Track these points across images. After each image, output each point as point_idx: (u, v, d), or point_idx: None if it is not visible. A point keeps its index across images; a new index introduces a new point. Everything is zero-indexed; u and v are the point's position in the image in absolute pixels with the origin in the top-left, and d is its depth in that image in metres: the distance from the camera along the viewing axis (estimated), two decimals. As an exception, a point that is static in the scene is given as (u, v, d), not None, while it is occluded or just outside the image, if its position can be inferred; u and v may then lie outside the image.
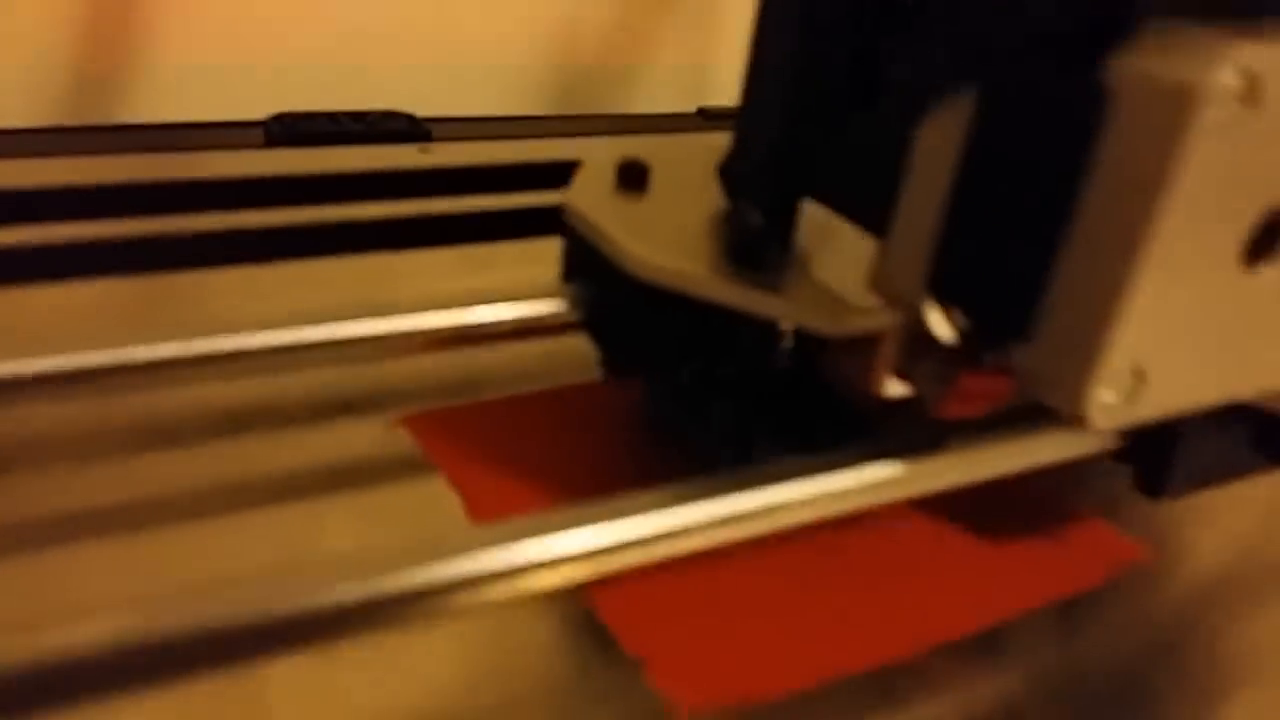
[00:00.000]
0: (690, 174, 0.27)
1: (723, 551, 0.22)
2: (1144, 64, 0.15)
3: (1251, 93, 0.15)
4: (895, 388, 0.23)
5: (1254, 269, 0.18)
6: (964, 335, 0.19)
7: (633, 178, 0.26)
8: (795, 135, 0.23)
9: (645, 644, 0.21)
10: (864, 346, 0.23)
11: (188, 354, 0.23)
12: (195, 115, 0.43)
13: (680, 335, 0.24)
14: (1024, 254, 0.18)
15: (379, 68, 0.47)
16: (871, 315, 0.22)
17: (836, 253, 0.24)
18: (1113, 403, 0.17)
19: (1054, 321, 0.17)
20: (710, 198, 0.26)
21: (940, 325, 0.21)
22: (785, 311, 0.22)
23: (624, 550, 0.20)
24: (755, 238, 0.24)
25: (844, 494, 0.22)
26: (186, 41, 0.44)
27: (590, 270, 0.25)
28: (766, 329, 0.24)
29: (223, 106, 0.44)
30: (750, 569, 0.23)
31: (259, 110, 0.43)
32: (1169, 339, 0.17)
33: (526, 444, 0.26)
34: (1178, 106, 0.15)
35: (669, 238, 0.24)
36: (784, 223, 0.24)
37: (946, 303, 0.20)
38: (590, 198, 0.25)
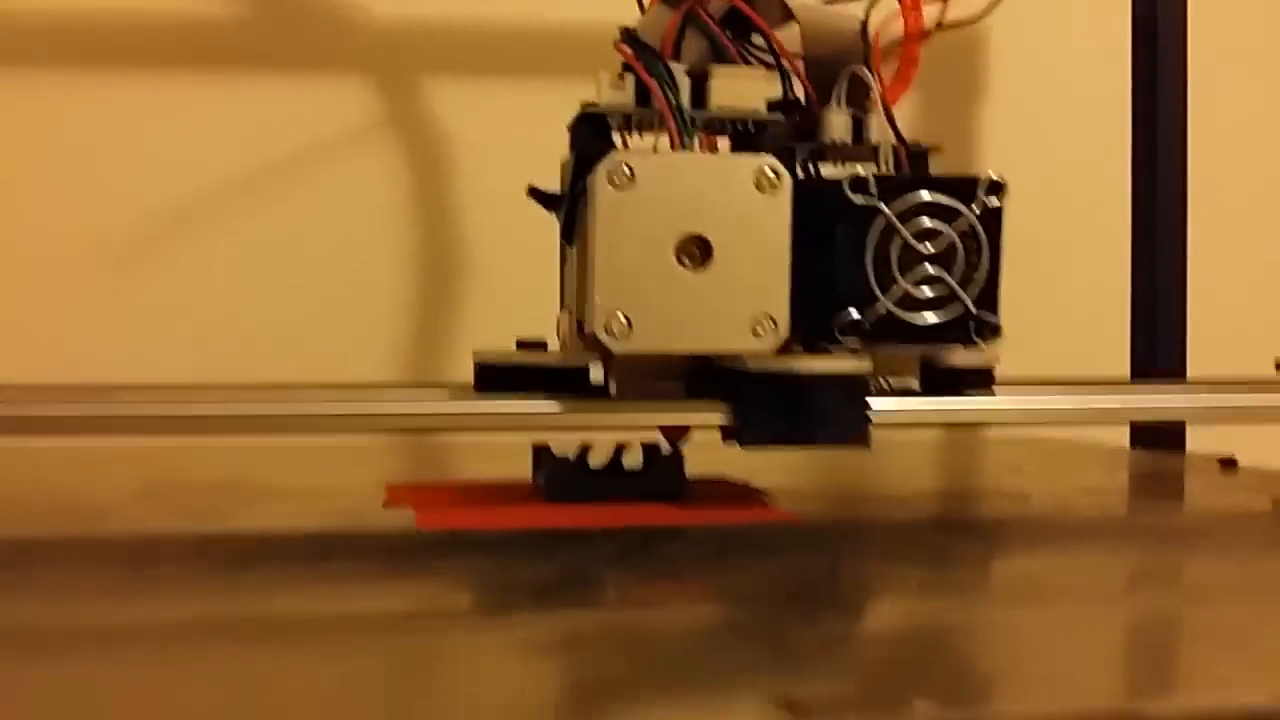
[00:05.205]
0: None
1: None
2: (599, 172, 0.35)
3: (630, 177, 0.34)
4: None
5: (698, 271, 0.36)
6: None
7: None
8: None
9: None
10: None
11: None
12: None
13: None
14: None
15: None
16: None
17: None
18: (619, 334, 0.35)
19: (583, 302, 0.36)
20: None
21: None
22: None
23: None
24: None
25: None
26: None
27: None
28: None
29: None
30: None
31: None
32: (644, 303, 0.36)
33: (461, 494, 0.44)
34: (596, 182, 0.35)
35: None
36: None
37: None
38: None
